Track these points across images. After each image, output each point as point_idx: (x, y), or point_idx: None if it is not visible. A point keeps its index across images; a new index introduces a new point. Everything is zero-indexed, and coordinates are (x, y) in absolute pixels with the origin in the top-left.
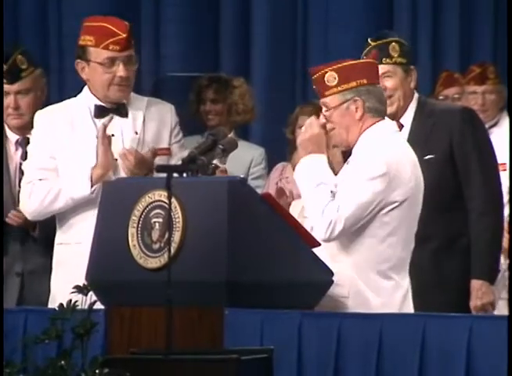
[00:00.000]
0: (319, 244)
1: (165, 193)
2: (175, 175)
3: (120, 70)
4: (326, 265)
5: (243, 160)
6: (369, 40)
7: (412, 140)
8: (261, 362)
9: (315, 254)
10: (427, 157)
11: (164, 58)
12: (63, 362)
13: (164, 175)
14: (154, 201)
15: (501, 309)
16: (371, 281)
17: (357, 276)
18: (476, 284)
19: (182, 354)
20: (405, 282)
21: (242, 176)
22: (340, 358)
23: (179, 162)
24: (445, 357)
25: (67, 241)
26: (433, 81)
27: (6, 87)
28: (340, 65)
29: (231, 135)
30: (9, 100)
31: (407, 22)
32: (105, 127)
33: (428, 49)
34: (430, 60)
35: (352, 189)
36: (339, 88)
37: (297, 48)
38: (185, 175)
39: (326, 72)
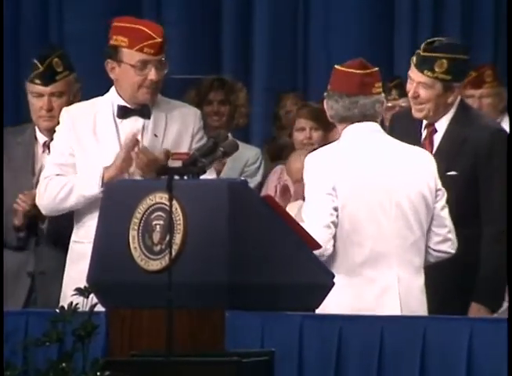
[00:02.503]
0: (320, 246)
1: (166, 196)
2: (176, 177)
3: (151, 74)
4: (326, 268)
5: (239, 160)
6: (422, 45)
7: (442, 149)
8: (262, 364)
9: (316, 257)
10: (450, 173)
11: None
12: (64, 364)
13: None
14: (155, 204)
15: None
16: (337, 278)
17: None
18: (475, 307)
19: (182, 356)
20: (384, 278)
21: (242, 178)
22: (341, 360)
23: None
24: (446, 360)
25: (82, 240)
26: None
27: (40, 89)
28: None
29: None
30: (42, 102)
31: (408, 23)
32: (135, 136)
33: None
34: None
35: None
36: None
37: (298, 51)
38: (186, 177)
39: None
